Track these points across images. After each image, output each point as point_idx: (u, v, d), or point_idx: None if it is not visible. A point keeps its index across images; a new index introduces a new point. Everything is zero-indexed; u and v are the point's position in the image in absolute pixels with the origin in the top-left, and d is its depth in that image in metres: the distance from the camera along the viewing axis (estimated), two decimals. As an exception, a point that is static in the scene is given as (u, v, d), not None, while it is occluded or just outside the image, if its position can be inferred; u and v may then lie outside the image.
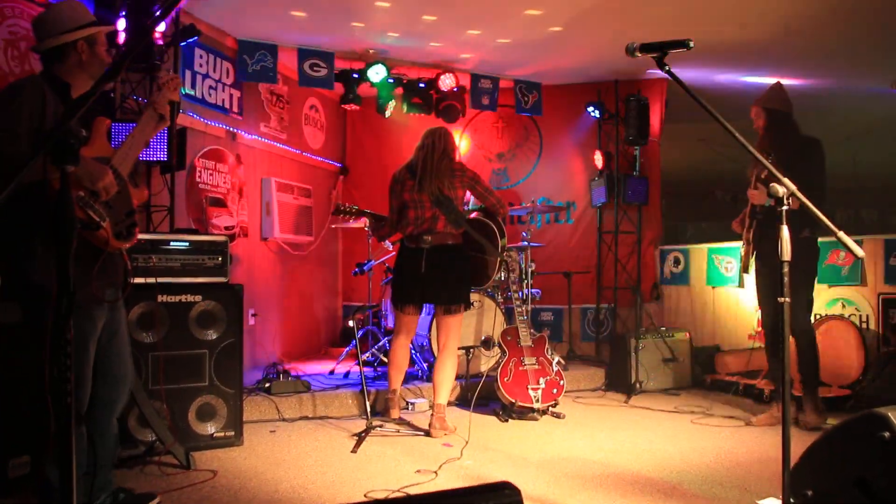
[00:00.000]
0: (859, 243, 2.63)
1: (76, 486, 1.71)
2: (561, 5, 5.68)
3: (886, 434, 2.03)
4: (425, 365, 6.11)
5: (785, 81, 5.15)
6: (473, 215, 5.45)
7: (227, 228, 6.25)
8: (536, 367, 5.34)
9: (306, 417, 5.26)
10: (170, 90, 3.34)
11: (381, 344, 6.46)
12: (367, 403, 4.96)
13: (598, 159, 7.75)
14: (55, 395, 1.70)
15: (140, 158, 4.00)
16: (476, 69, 7.35)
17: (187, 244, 4.35)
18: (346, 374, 6.17)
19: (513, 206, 7.36)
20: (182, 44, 5.33)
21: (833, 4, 5.55)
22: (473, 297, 5.75)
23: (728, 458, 4.26)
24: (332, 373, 6.30)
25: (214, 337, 4.37)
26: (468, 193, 5.09)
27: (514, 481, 1.96)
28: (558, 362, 5.53)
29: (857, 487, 2.06)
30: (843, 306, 6.12)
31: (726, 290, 7.16)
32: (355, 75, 6.95)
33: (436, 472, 3.89)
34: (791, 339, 4.85)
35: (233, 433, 4.42)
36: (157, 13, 4.77)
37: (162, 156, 4.88)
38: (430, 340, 5.88)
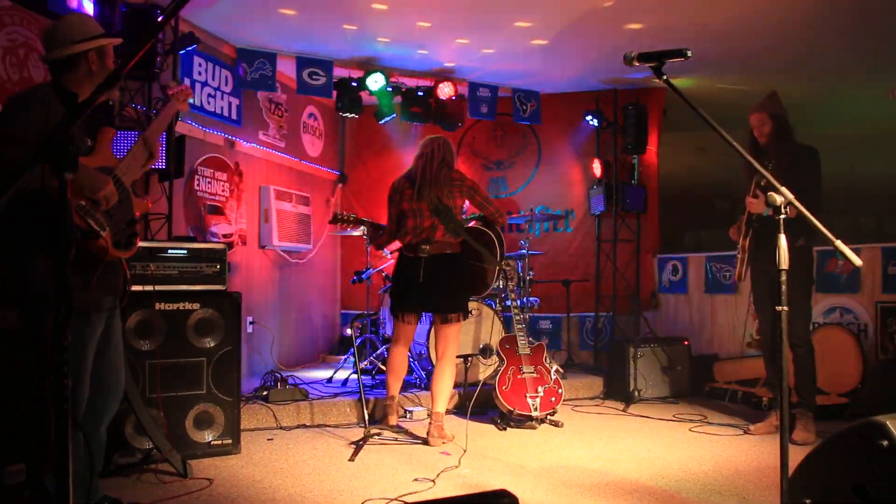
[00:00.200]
0: (857, 252, 2.63)
1: (73, 493, 1.70)
2: (559, 14, 5.70)
3: (885, 442, 2.02)
4: (423, 373, 6.10)
5: (782, 89, 5.16)
6: (472, 224, 5.45)
7: (225, 236, 6.25)
8: (535, 375, 5.34)
9: (304, 425, 5.25)
10: (179, 101, 3.39)
11: (379, 352, 6.45)
12: (365, 411, 4.96)
13: (597, 168, 7.77)
14: (53, 402, 1.70)
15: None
16: (474, 78, 7.36)
17: (185, 252, 4.35)
18: (345, 382, 6.16)
19: (511, 214, 7.37)
20: (181, 52, 5.34)
21: (830, 13, 5.57)
22: (472, 305, 5.75)
23: (727, 466, 4.25)
24: (330, 381, 6.28)
25: (212, 345, 4.37)
26: (467, 202, 5.09)
27: (512, 490, 1.96)
28: (556, 370, 5.52)
29: (856, 495, 2.06)
30: (841, 315, 6.13)
31: (724, 298, 7.17)
32: (354, 84, 6.96)
33: (434, 481, 3.88)
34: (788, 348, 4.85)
35: (230, 441, 4.40)
36: (158, 20, 4.82)
37: (160, 164, 4.89)
38: (428, 349, 5.88)
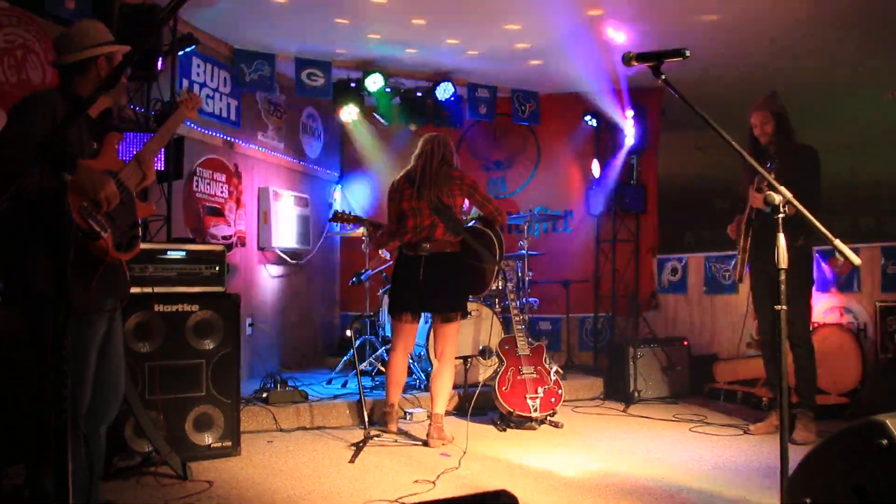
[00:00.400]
0: (856, 251, 2.63)
1: (72, 495, 1.70)
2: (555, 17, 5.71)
3: (885, 441, 2.02)
4: (423, 374, 6.10)
5: (780, 89, 5.16)
6: (472, 223, 5.45)
7: (224, 238, 6.25)
8: (534, 376, 5.33)
9: (304, 427, 5.25)
10: (187, 108, 3.41)
11: (378, 353, 6.44)
12: (365, 413, 4.95)
13: (596, 168, 7.76)
14: (53, 403, 1.69)
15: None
16: (473, 78, 7.36)
17: (184, 254, 4.34)
18: (344, 384, 6.15)
19: (510, 214, 7.37)
20: (180, 53, 5.34)
21: (829, 13, 5.57)
22: (471, 306, 5.74)
23: (727, 466, 4.25)
24: (329, 382, 6.28)
25: (211, 347, 4.36)
26: (467, 201, 5.09)
27: (512, 490, 1.95)
28: (556, 371, 5.52)
29: (856, 495, 2.06)
30: (841, 314, 6.12)
31: (724, 299, 7.17)
32: (353, 84, 6.96)
33: (434, 482, 3.88)
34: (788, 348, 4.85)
35: (230, 443, 4.40)
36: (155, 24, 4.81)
37: (159, 165, 4.88)
38: (427, 350, 5.87)
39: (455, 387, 5.29)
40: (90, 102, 2.59)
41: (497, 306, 6.27)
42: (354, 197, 8.37)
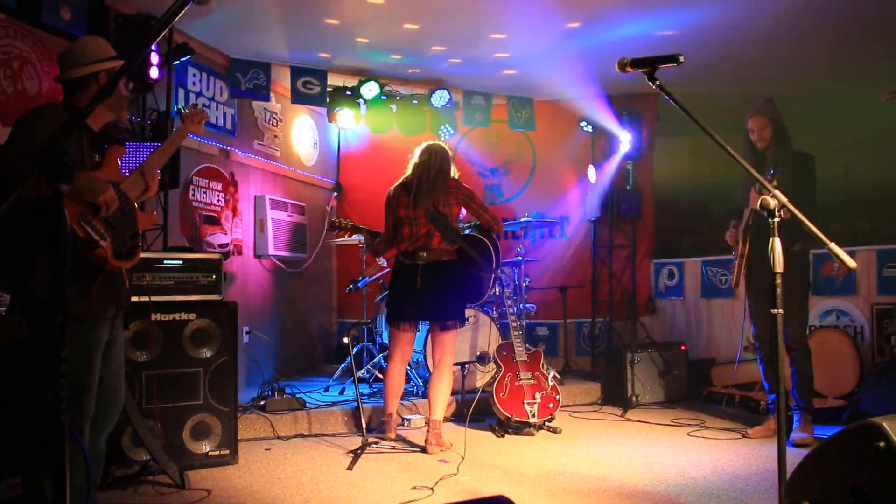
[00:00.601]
0: (852, 255, 2.65)
1: (70, 500, 1.70)
2: (553, 21, 5.73)
3: (881, 444, 2.03)
4: (420, 381, 6.10)
5: (774, 94, 5.18)
6: (468, 232, 5.46)
7: (221, 246, 6.25)
8: (532, 381, 5.34)
9: (302, 435, 5.24)
10: (193, 123, 3.44)
11: (376, 360, 6.44)
12: (363, 420, 4.95)
13: (592, 174, 7.78)
14: (51, 407, 1.70)
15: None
16: (468, 85, 7.38)
17: (181, 262, 4.35)
18: (342, 391, 6.14)
19: (507, 220, 7.37)
20: (175, 62, 5.35)
21: (823, 16, 5.60)
22: (468, 312, 5.75)
23: (725, 470, 4.25)
24: (327, 390, 6.27)
25: (209, 355, 4.36)
26: (464, 210, 5.10)
27: (510, 496, 1.96)
28: (554, 377, 5.52)
29: (854, 497, 2.06)
30: (838, 317, 6.14)
31: (721, 303, 7.18)
32: (348, 92, 6.98)
33: (432, 489, 3.88)
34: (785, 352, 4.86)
35: (227, 451, 4.39)
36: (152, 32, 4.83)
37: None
38: (425, 356, 5.87)
39: (453, 393, 5.30)
40: (87, 113, 2.61)
41: (494, 312, 6.27)
42: (351, 205, 8.37)
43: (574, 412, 6.14)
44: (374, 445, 4.80)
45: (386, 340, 6.12)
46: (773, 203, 2.54)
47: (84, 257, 2.82)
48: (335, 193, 8.37)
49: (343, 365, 6.66)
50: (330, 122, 7.31)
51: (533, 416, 5.23)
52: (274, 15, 5.67)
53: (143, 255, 4.15)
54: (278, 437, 5.14)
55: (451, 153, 5.08)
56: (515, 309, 5.93)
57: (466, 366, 5.81)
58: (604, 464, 4.46)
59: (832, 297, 6.18)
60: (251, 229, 6.80)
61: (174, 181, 5.22)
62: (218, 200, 6.28)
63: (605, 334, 7.81)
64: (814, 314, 6.08)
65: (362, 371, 6.42)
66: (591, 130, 7.80)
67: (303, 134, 7.84)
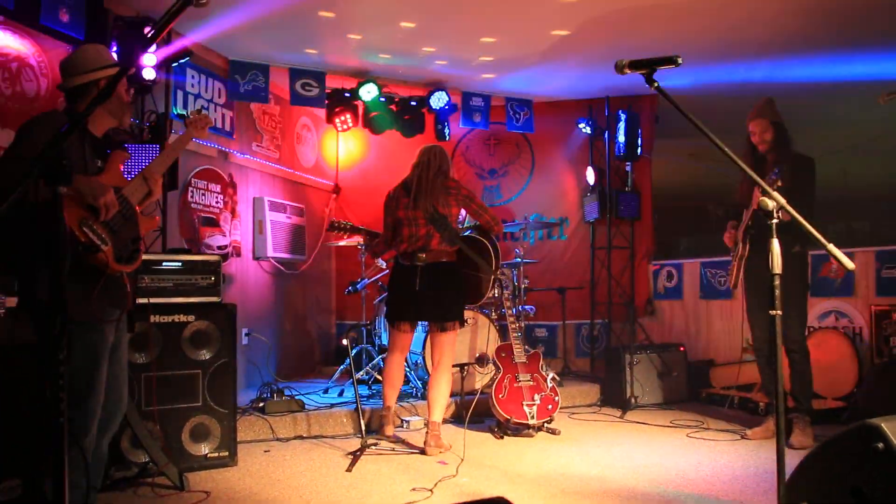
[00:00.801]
0: (851, 256, 2.65)
1: (69, 500, 1.70)
2: (550, 22, 5.73)
3: (880, 444, 2.03)
4: (420, 382, 6.10)
5: (773, 94, 5.19)
6: (468, 233, 5.46)
7: (219, 248, 6.25)
8: (531, 383, 5.34)
9: (301, 437, 5.24)
10: (197, 128, 3.47)
11: (375, 362, 6.44)
12: (362, 422, 4.95)
13: (590, 175, 7.79)
14: (50, 409, 1.70)
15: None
16: (467, 87, 7.39)
17: (180, 264, 4.35)
18: (341, 393, 6.14)
19: (506, 222, 7.38)
20: (174, 64, 5.35)
21: (822, 17, 5.60)
22: (467, 314, 5.75)
23: (724, 472, 4.25)
24: (326, 391, 6.27)
25: (208, 357, 4.36)
26: (463, 211, 5.10)
27: (509, 498, 1.96)
28: (553, 378, 5.52)
29: (853, 497, 2.07)
30: (836, 318, 6.14)
31: (720, 304, 7.18)
32: (347, 94, 6.98)
33: (431, 490, 3.88)
34: (783, 353, 4.86)
35: (227, 453, 4.39)
36: (148, 34, 4.84)
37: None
38: (424, 358, 5.87)
39: (452, 395, 5.30)
40: (86, 115, 2.63)
41: (493, 314, 6.28)
42: (349, 207, 8.37)
43: (573, 414, 6.14)
44: (374, 447, 4.80)
45: (385, 342, 6.12)
46: (771, 205, 2.55)
47: (85, 261, 2.83)
48: (334, 195, 8.37)
49: (342, 367, 6.66)
50: (328, 123, 7.31)
51: (532, 417, 5.23)
52: (272, 15, 5.66)
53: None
54: (277, 439, 5.13)
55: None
56: (514, 310, 5.93)
57: (465, 367, 5.82)
58: (603, 465, 4.46)
59: (831, 298, 6.19)
60: (250, 231, 6.80)
61: (173, 183, 5.22)
62: (217, 202, 6.28)
63: (604, 336, 7.81)
64: (812, 315, 6.08)
65: (361, 373, 6.42)
66: (589, 132, 7.80)
67: (301, 136, 7.84)
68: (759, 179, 2.63)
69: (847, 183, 11.36)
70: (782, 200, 2.55)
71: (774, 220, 2.55)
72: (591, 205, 7.76)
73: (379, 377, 6.14)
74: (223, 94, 6.41)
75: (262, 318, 6.94)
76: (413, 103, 7.33)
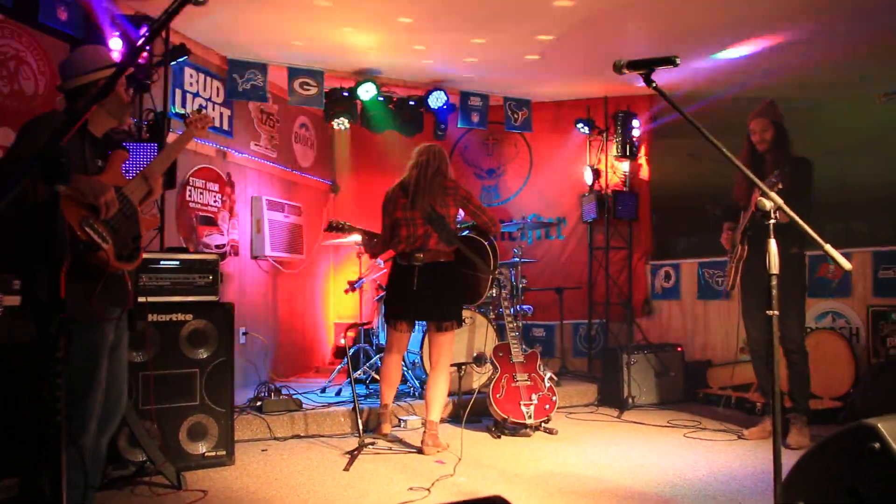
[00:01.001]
0: (848, 256, 2.65)
1: (66, 501, 1.70)
2: (548, 21, 5.74)
3: (876, 445, 2.03)
4: (417, 382, 6.10)
5: (771, 94, 5.20)
6: (466, 233, 5.46)
7: (217, 247, 6.24)
8: (528, 383, 5.34)
9: (298, 436, 5.24)
10: (197, 129, 3.48)
11: (372, 361, 6.44)
12: (360, 421, 4.94)
13: (588, 175, 7.80)
14: (47, 409, 1.71)
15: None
16: (466, 87, 7.39)
17: (178, 263, 4.35)
18: (338, 392, 6.14)
19: (503, 222, 7.38)
20: (172, 63, 5.35)
21: (819, 17, 5.61)
22: (465, 313, 5.75)
23: (721, 471, 4.26)
24: (323, 391, 6.27)
25: (205, 356, 4.36)
26: (461, 211, 5.11)
27: (507, 497, 1.96)
28: (550, 378, 5.53)
29: (849, 497, 2.07)
30: (833, 319, 6.15)
31: (717, 304, 7.19)
32: (345, 93, 6.98)
33: (429, 490, 3.88)
34: (781, 353, 4.87)
35: (224, 452, 4.39)
36: (146, 34, 4.83)
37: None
38: (422, 357, 5.87)
39: (449, 394, 5.30)
40: (83, 112, 2.63)
41: (491, 313, 6.28)
42: (348, 206, 8.37)
43: (570, 413, 6.14)
44: (371, 446, 4.80)
45: (383, 342, 6.12)
46: (769, 205, 2.56)
47: (86, 260, 2.83)
48: (332, 194, 8.37)
49: (340, 366, 6.67)
50: (327, 122, 7.31)
51: (529, 417, 5.24)
52: (270, 13, 5.66)
53: (140, 256, 4.18)
54: (275, 438, 5.13)
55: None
56: (512, 310, 5.93)
57: (463, 367, 5.82)
58: (600, 465, 4.46)
59: (828, 298, 6.19)
60: (248, 230, 6.80)
61: (171, 182, 5.21)
62: (215, 201, 6.27)
63: (602, 336, 7.82)
64: (810, 316, 6.08)
65: (359, 372, 6.42)
66: (587, 132, 7.81)
67: (300, 135, 7.84)
68: (756, 180, 2.63)
69: (845, 184, 11.36)
70: (780, 201, 2.56)
71: (772, 221, 2.56)
72: (589, 205, 7.77)
73: (377, 376, 6.14)
74: (221, 92, 6.41)
75: (260, 317, 6.93)
76: (411, 103, 7.34)
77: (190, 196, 5.97)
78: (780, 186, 3.85)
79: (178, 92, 5.84)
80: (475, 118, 7.51)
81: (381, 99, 7.13)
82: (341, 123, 7.19)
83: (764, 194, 2.57)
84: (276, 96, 7.15)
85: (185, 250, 4.88)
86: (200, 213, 6.09)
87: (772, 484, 2.44)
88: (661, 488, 3.93)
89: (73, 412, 2.84)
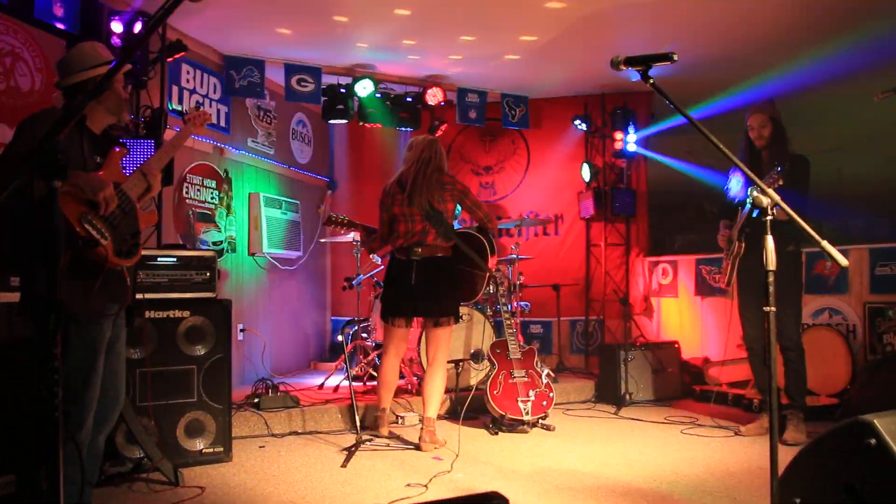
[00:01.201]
0: (845, 253, 2.66)
1: (64, 498, 1.70)
2: (547, 20, 5.73)
3: (873, 441, 2.04)
4: (415, 378, 6.10)
5: (767, 93, 5.20)
6: (463, 228, 5.46)
7: (215, 244, 6.24)
8: (526, 379, 5.35)
9: (296, 432, 5.24)
10: (195, 126, 3.50)
11: (370, 358, 6.44)
12: (357, 418, 4.95)
13: (586, 172, 7.79)
14: (45, 406, 1.71)
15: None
16: (463, 83, 7.38)
17: (175, 260, 4.34)
18: (336, 389, 6.14)
19: (501, 219, 7.38)
20: (169, 59, 5.34)
21: (818, 15, 5.61)
22: (462, 310, 5.75)
23: (718, 468, 4.27)
24: (321, 387, 6.27)
25: (203, 352, 4.36)
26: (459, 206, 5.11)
27: (504, 493, 1.96)
28: (547, 374, 5.53)
29: (846, 494, 2.08)
30: (830, 316, 6.16)
31: (714, 301, 7.19)
32: (342, 90, 6.97)
33: (426, 486, 3.88)
34: (777, 351, 4.87)
35: (221, 449, 4.39)
36: (143, 30, 4.82)
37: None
38: (419, 353, 5.87)
39: (447, 391, 5.30)
40: (80, 108, 2.63)
41: (488, 310, 6.28)
42: (345, 202, 8.37)
43: (568, 410, 6.15)
44: (368, 443, 4.80)
45: (380, 339, 6.12)
46: (766, 201, 2.56)
47: (85, 256, 2.83)
48: (329, 191, 8.36)
49: (337, 363, 6.66)
50: (324, 119, 7.30)
51: (527, 413, 5.24)
52: (269, 11, 5.64)
53: (137, 252, 4.17)
54: (272, 435, 5.14)
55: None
56: (509, 307, 5.93)
57: (460, 363, 5.82)
58: (597, 461, 4.47)
59: (825, 295, 6.20)
60: (245, 227, 6.79)
61: (168, 178, 5.20)
62: (212, 198, 6.27)
63: (599, 332, 7.83)
64: (806, 313, 6.10)
65: (356, 368, 6.42)
66: (585, 128, 7.80)
67: (297, 131, 7.83)
68: (754, 177, 2.63)
69: (842, 181, 11.37)
70: (777, 197, 2.56)
71: (769, 218, 2.56)
72: (587, 201, 7.77)
73: (374, 373, 6.14)
74: (218, 89, 6.40)
75: (258, 313, 6.93)
76: (409, 99, 7.33)
77: (187, 193, 5.96)
78: (782, 182, 3.85)
79: (175, 88, 5.82)
80: (472, 114, 7.50)
81: (379, 95, 7.11)
82: (338, 120, 7.17)
83: (761, 190, 2.58)
84: (273, 93, 7.14)
85: (183, 247, 4.89)
86: (198, 210, 6.08)
87: (768, 480, 2.44)
88: (658, 484, 3.93)
89: (70, 408, 2.84)
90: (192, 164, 6.04)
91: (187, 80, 5.99)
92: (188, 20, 5.63)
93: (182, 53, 5.34)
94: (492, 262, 5.36)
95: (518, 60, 6.74)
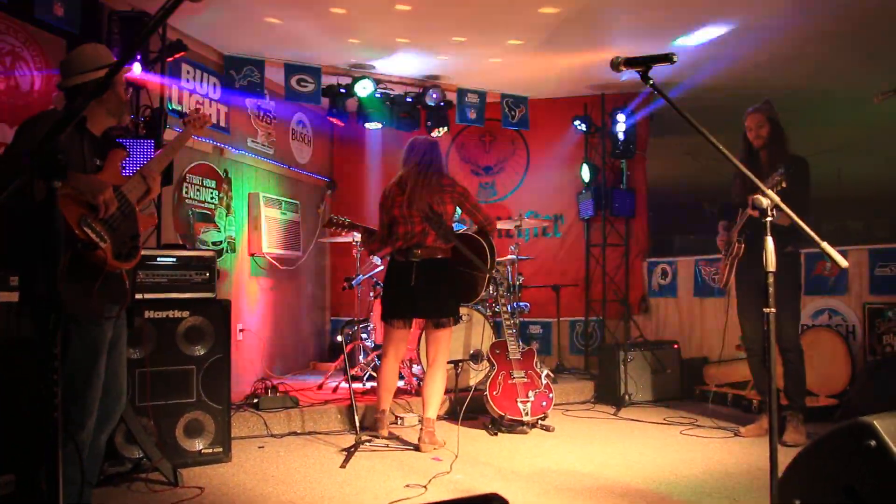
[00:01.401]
0: (844, 254, 2.66)
1: (63, 498, 1.70)
2: (548, 21, 5.73)
3: (872, 442, 2.04)
4: (414, 379, 6.10)
5: (767, 94, 5.20)
6: (463, 229, 5.46)
7: (214, 244, 6.24)
8: (525, 380, 5.34)
9: (295, 433, 5.24)
10: (195, 127, 3.51)
11: (369, 359, 6.44)
12: (356, 418, 4.95)
13: (585, 172, 7.79)
14: (44, 406, 1.70)
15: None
16: (463, 83, 7.38)
17: (174, 260, 4.34)
18: (335, 389, 6.14)
19: (500, 219, 7.37)
20: (169, 59, 5.34)
21: (818, 17, 5.61)
22: (462, 310, 5.75)
23: (717, 469, 4.27)
24: (320, 388, 6.27)
25: (202, 352, 4.35)
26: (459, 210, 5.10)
27: (503, 494, 1.96)
28: (547, 375, 5.53)
29: (845, 495, 2.07)
30: (830, 316, 6.16)
31: (714, 302, 7.19)
32: (342, 90, 6.97)
33: (425, 487, 3.88)
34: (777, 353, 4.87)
35: (220, 449, 4.39)
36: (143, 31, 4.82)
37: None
38: (419, 354, 5.87)
39: (446, 391, 5.30)
40: (80, 109, 2.63)
41: (488, 311, 6.28)
42: (345, 202, 8.36)
43: (567, 410, 6.15)
44: (368, 443, 4.80)
45: (380, 339, 6.11)
46: (765, 202, 2.56)
47: (85, 259, 2.83)
48: (329, 191, 8.36)
49: (336, 363, 6.66)
50: (324, 119, 7.29)
51: (526, 414, 5.24)
52: (267, 10, 5.63)
53: (136, 253, 4.17)
54: (272, 435, 5.13)
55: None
56: (509, 307, 5.93)
57: (460, 364, 5.82)
58: (597, 462, 4.47)
59: (824, 296, 6.20)
60: (245, 227, 6.79)
61: (167, 179, 5.20)
62: (211, 198, 6.26)
63: (599, 333, 7.83)
64: (806, 313, 6.10)
65: (356, 369, 6.42)
66: (584, 129, 7.80)
67: (297, 132, 7.83)
68: (754, 178, 2.63)
69: (841, 182, 11.38)
70: (776, 198, 2.56)
71: (769, 219, 2.56)
72: (586, 202, 7.77)
73: (373, 373, 6.14)
74: (218, 89, 6.40)
75: (257, 314, 6.93)
76: (409, 99, 7.33)
77: (187, 193, 5.96)
78: (784, 185, 3.85)
79: (175, 88, 5.82)
80: (472, 115, 7.50)
81: (379, 95, 7.11)
82: (338, 120, 7.17)
83: (761, 191, 2.58)
84: (273, 93, 7.14)
85: (182, 247, 4.88)
86: (197, 210, 6.08)
87: (768, 481, 2.44)
88: (658, 485, 3.93)
89: (71, 409, 2.84)
90: (192, 164, 6.04)
91: (187, 80, 5.99)
92: (188, 20, 5.62)
93: (182, 53, 5.34)
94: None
95: (518, 61, 6.73)
